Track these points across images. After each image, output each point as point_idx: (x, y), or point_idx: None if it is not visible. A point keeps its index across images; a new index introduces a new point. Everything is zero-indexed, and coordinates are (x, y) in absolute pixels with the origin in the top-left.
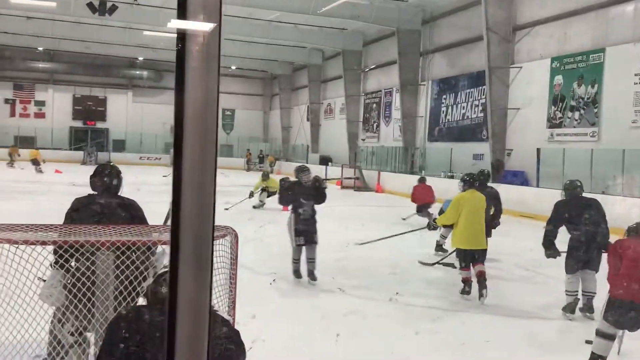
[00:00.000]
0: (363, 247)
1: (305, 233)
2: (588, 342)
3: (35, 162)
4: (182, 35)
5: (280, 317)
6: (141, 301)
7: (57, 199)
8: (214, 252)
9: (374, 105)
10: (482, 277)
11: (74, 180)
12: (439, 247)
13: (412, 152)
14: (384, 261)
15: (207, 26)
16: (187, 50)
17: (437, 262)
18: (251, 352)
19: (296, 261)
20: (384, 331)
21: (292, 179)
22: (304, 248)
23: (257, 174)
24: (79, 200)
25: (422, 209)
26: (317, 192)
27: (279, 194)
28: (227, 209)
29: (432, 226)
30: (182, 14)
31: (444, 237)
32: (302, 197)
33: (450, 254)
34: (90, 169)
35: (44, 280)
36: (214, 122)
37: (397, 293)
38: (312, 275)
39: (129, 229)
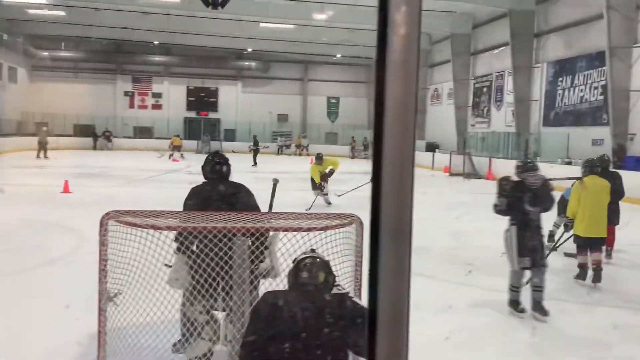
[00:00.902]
0: (474, 236)
1: (532, 252)
2: None
3: (176, 148)
4: (382, 26)
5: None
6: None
7: (179, 186)
8: (340, 240)
9: (484, 89)
10: (598, 267)
11: (190, 168)
12: (551, 236)
13: (525, 137)
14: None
15: (408, 16)
16: (389, 40)
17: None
18: None
19: (516, 290)
20: (505, 324)
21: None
22: (526, 272)
23: (362, 161)
24: (195, 189)
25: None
26: (545, 195)
27: (496, 202)
28: (339, 196)
29: (569, 227)
30: (383, 4)
31: (557, 225)
32: (528, 203)
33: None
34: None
35: (170, 266)
36: (413, 113)
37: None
38: (539, 308)
39: (244, 215)
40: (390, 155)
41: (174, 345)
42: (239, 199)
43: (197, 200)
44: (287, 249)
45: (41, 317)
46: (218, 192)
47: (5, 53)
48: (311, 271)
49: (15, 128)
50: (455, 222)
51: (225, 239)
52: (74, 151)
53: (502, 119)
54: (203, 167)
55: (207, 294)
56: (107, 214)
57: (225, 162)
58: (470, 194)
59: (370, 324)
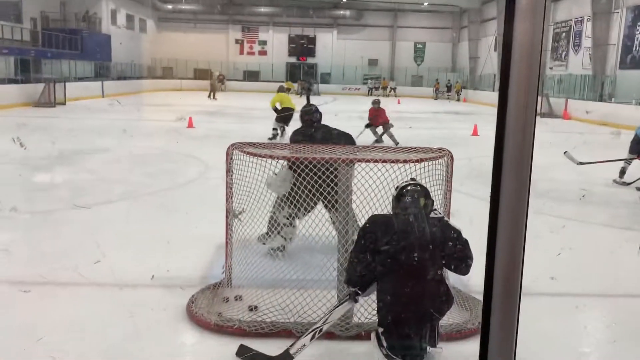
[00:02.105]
0: (549, 169)
1: None
2: None
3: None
4: None
5: None
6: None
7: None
8: (433, 172)
9: (563, 34)
10: None
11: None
12: (622, 173)
13: (601, 79)
14: (572, 183)
15: None
16: None
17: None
18: None
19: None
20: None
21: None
22: None
23: (444, 102)
24: (296, 130)
25: (373, 128)
26: None
27: None
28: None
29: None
30: None
31: (628, 162)
32: None
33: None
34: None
35: (276, 174)
36: (538, 54)
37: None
38: None
39: (347, 148)
40: (515, 95)
41: (259, 237)
42: (327, 137)
43: (300, 137)
44: (385, 179)
45: (175, 230)
46: (314, 133)
47: (136, 6)
48: (413, 196)
49: (146, 72)
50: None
51: (331, 168)
52: (195, 92)
53: (579, 63)
54: (301, 116)
55: (294, 205)
56: (232, 144)
57: (317, 110)
58: (546, 133)
59: (490, 246)
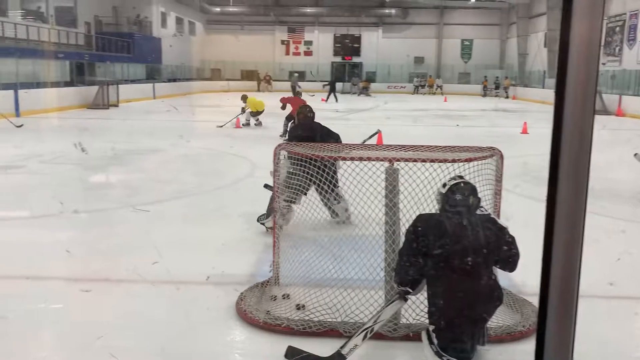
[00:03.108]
0: (604, 169)
1: None
2: None
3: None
4: None
5: None
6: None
7: (328, 122)
8: (482, 171)
9: (617, 28)
10: None
11: (337, 107)
12: None
13: None
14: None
15: None
16: None
17: None
18: None
19: None
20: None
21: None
22: None
23: (493, 99)
24: (295, 126)
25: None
26: None
27: None
28: (457, 125)
29: None
30: None
31: None
32: None
33: None
34: (352, 98)
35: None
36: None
37: None
38: None
39: (393, 147)
40: (573, 95)
41: (258, 218)
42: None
43: (300, 131)
44: (433, 179)
45: (225, 229)
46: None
47: (185, 9)
48: (464, 194)
49: (195, 73)
50: None
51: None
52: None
53: (633, 58)
54: (298, 113)
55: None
56: (279, 144)
57: (311, 110)
58: (599, 130)
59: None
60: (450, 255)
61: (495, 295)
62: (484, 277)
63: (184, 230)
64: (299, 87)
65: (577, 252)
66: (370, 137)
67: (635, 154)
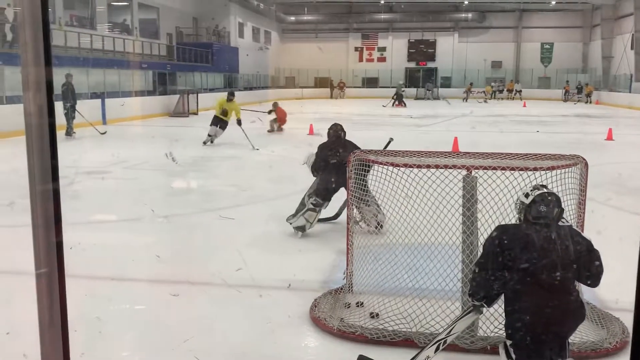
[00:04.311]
0: None
1: None
2: None
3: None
4: None
5: None
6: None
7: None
8: (564, 180)
9: None
10: None
11: (411, 113)
12: None
13: None
14: None
15: None
16: None
17: None
18: None
19: None
20: None
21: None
22: None
23: (575, 104)
24: (323, 144)
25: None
26: None
27: None
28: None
29: None
30: None
31: None
32: None
33: None
34: (426, 103)
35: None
36: None
37: None
38: None
39: (467, 155)
40: None
41: (288, 217)
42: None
43: (327, 152)
44: (514, 187)
45: (300, 235)
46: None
47: (261, 19)
48: (549, 205)
49: (270, 82)
50: None
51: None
52: (315, 100)
53: None
54: (328, 131)
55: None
56: (353, 152)
57: (342, 129)
58: None
59: None
60: (537, 271)
61: (575, 312)
62: (572, 292)
63: (265, 237)
64: (403, 91)
65: None
66: (386, 146)
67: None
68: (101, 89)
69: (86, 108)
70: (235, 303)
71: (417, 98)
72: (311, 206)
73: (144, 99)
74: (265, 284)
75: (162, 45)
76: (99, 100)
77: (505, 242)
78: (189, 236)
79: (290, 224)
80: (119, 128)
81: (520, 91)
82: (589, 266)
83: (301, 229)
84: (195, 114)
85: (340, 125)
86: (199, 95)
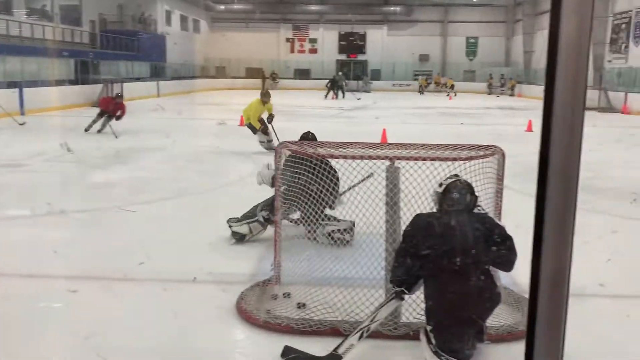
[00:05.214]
0: (607, 166)
1: None
2: None
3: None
4: None
5: None
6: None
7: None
8: (483, 170)
9: (623, 25)
10: None
11: (342, 105)
12: None
13: None
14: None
15: None
16: None
17: None
18: None
19: None
20: None
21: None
22: None
23: (498, 97)
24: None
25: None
26: None
27: None
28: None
29: None
30: None
31: None
32: None
33: None
34: (359, 95)
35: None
36: (586, 48)
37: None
38: None
39: (388, 145)
40: (562, 92)
41: (229, 219)
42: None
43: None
44: (434, 177)
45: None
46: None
47: (190, 7)
48: (461, 192)
49: (199, 71)
50: (587, 154)
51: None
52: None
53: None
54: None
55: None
56: (281, 143)
57: (314, 137)
58: (604, 128)
59: (536, 248)
60: (439, 255)
61: (487, 296)
62: (473, 277)
63: (193, 231)
64: (346, 84)
65: (567, 252)
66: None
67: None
68: (18, 78)
69: (2, 98)
70: (154, 298)
71: (349, 90)
72: (262, 219)
73: (66, 89)
74: (184, 277)
75: (85, 32)
76: (16, 90)
77: (412, 229)
78: (95, 232)
79: (230, 226)
80: (38, 119)
81: (453, 85)
82: (493, 253)
83: (240, 237)
84: None
85: (312, 133)
86: (124, 84)
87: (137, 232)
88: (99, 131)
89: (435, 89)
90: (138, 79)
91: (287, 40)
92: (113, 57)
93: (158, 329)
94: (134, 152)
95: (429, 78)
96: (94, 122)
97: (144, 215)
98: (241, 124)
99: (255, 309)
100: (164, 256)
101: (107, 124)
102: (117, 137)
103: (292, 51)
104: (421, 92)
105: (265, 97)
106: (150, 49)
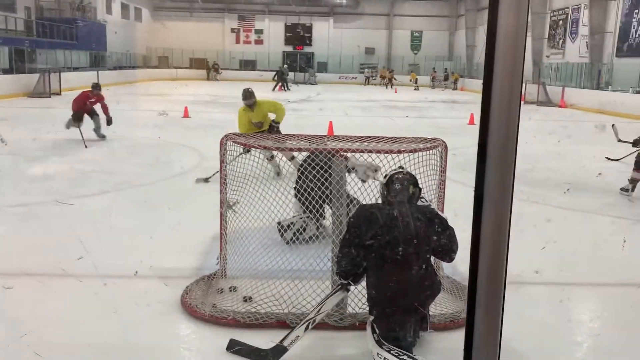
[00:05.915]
0: (545, 159)
1: None
2: None
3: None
4: None
5: None
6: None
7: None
8: (427, 162)
9: (560, 22)
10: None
11: (289, 97)
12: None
13: (598, 67)
14: (568, 172)
15: None
16: None
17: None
18: None
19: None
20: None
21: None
22: None
23: (441, 91)
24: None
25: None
26: None
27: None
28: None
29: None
30: None
31: None
32: None
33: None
34: (305, 88)
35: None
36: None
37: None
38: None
39: (342, 138)
40: (499, 86)
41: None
42: None
43: None
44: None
45: (171, 220)
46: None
47: None
48: (403, 184)
49: (141, 61)
50: (525, 146)
51: (325, 159)
52: (191, 81)
53: (576, 51)
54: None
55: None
56: (226, 135)
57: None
58: (542, 121)
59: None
60: (381, 246)
61: (427, 285)
62: (415, 266)
63: (127, 224)
64: (287, 74)
65: (504, 240)
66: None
67: (613, 125)
68: None
69: None
70: (94, 294)
71: (295, 82)
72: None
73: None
74: (128, 272)
75: (20, 19)
76: None
77: (356, 223)
78: (33, 226)
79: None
80: None
81: (396, 79)
82: (434, 242)
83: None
84: (58, 94)
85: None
86: (62, 74)
87: (75, 226)
88: (68, 128)
89: (381, 83)
90: (77, 69)
91: (232, 30)
92: (50, 45)
93: (98, 326)
94: (73, 144)
95: (374, 71)
96: (76, 126)
97: (82, 209)
98: (185, 116)
99: (200, 303)
100: (104, 250)
101: (78, 127)
102: (86, 146)
103: (237, 42)
104: (386, 85)
105: (246, 99)
106: (90, 38)
